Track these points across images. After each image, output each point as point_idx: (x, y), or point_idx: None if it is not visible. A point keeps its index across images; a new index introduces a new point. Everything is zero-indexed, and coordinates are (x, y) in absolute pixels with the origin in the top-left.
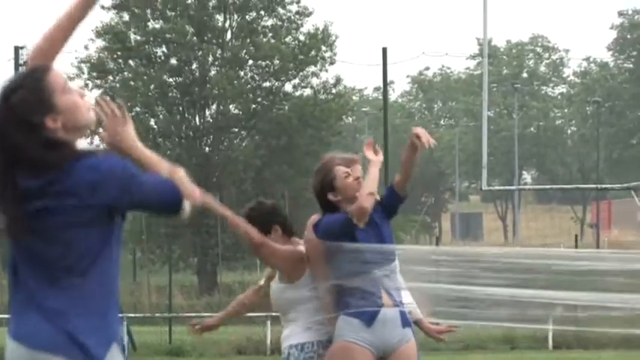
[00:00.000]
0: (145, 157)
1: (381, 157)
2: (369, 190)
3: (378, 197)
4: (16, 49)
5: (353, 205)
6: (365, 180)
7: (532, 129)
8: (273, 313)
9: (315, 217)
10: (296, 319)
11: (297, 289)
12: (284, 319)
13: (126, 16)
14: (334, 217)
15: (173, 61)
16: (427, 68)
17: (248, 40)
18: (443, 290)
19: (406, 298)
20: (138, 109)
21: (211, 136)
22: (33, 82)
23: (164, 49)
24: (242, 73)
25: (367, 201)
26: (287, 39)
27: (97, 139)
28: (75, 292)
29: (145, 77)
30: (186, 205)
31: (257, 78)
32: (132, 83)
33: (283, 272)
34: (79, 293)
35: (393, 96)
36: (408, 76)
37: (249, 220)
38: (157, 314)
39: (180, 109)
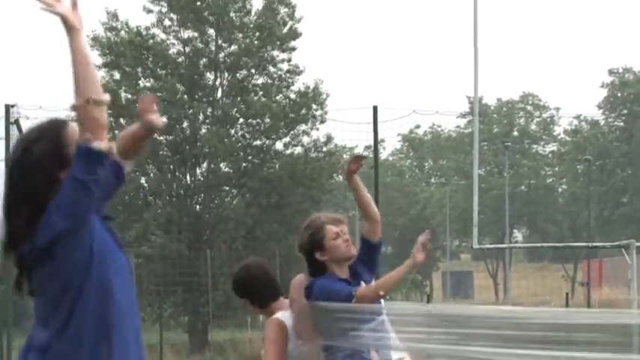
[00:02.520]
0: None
1: (421, 259)
2: (383, 288)
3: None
4: (7, 107)
5: (362, 290)
6: (389, 275)
7: (523, 187)
8: None
9: (300, 278)
10: None
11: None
12: None
13: (117, 75)
14: (336, 288)
15: (164, 119)
16: (418, 126)
17: (239, 99)
18: (435, 350)
19: (396, 353)
20: None
21: (202, 195)
22: (53, 135)
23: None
24: (233, 132)
25: (375, 294)
26: (278, 97)
27: None
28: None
29: None
30: (100, 146)
31: (248, 136)
32: None
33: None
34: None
35: (383, 154)
36: (398, 134)
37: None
38: None
39: (171, 167)
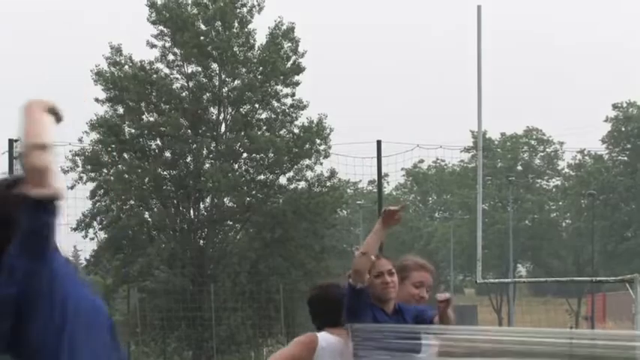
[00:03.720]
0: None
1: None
2: (363, 249)
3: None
4: (10, 141)
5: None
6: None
7: (527, 222)
8: None
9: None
10: None
11: None
12: None
13: (120, 109)
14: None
15: (167, 154)
16: (421, 161)
17: (242, 133)
18: None
19: None
20: (132, 202)
21: (206, 229)
22: None
23: (158, 142)
24: (236, 166)
25: (359, 257)
26: (281, 132)
27: None
28: None
29: (140, 170)
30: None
31: (251, 171)
32: (126, 176)
33: None
34: None
35: (387, 189)
36: (402, 169)
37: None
38: None
39: (175, 202)
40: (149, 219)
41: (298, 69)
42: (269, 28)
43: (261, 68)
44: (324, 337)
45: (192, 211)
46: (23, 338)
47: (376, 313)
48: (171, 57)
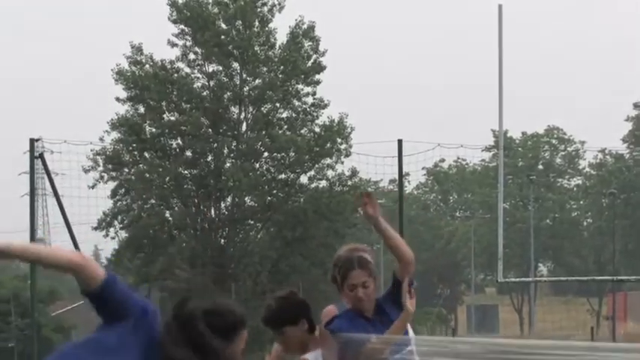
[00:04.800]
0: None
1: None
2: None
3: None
4: (32, 141)
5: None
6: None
7: (548, 221)
8: None
9: (331, 309)
10: None
11: None
12: None
13: (141, 109)
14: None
15: (188, 153)
16: (442, 160)
17: (263, 132)
18: None
19: None
20: (153, 201)
21: (227, 228)
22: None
23: (179, 141)
24: (257, 165)
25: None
26: (302, 131)
27: None
28: None
29: (160, 169)
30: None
31: (272, 170)
32: (147, 175)
33: None
34: None
35: (408, 188)
36: (423, 168)
37: (279, 307)
38: None
39: (196, 201)
40: (170, 218)
41: (319, 68)
42: (289, 27)
43: (282, 67)
44: (312, 357)
45: (213, 210)
46: None
47: (358, 324)
48: (192, 56)
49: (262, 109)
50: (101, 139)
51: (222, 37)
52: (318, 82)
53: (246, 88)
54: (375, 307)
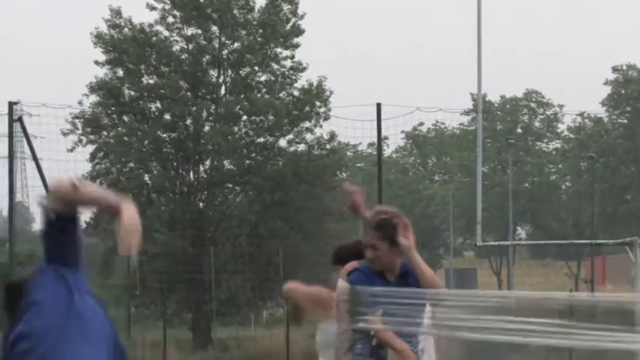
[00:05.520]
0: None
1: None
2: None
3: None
4: (10, 104)
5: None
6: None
7: (526, 184)
8: None
9: (353, 264)
10: None
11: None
12: None
13: (120, 72)
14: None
15: (167, 116)
16: (421, 124)
17: (242, 96)
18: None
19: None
20: (132, 164)
21: (205, 192)
22: None
23: (158, 104)
24: (236, 129)
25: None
26: (281, 94)
27: None
28: None
29: (139, 133)
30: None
31: (251, 133)
32: (126, 139)
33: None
34: None
35: (387, 151)
36: (402, 132)
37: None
38: None
39: (174, 164)
40: (149, 181)
41: (298, 31)
42: None
43: (260, 30)
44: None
45: (191, 174)
46: None
47: (375, 282)
48: (170, 19)
49: (241, 72)
50: (80, 103)
51: (201, 0)
52: (296, 46)
53: (225, 52)
54: (399, 271)
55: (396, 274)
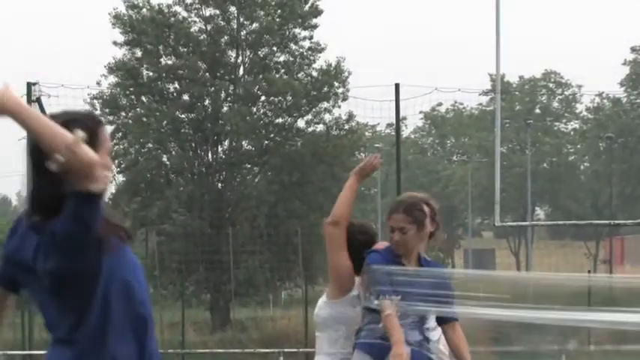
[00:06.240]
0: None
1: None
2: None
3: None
4: (29, 85)
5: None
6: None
7: (545, 165)
8: (286, 349)
9: (383, 244)
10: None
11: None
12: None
13: (138, 53)
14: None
15: (186, 97)
16: (440, 104)
17: (261, 76)
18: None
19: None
20: (150, 145)
21: (224, 172)
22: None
23: (177, 85)
24: (255, 109)
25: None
26: (299, 75)
27: None
28: None
29: (158, 113)
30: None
31: (270, 114)
32: (144, 119)
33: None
34: None
35: (405, 132)
36: (420, 112)
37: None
38: (169, 350)
39: (193, 145)
40: (167, 162)
41: (316, 11)
42: None
43: (279, 11)
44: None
45: (210, 154)
46: None
47: (390, 262)
48: (189, 0)
49: (259, 52)
50: (98, 83)
51: None
52: (315, 26)
53: (243, 32)
54: (417, 259)
55: (414, 262)
